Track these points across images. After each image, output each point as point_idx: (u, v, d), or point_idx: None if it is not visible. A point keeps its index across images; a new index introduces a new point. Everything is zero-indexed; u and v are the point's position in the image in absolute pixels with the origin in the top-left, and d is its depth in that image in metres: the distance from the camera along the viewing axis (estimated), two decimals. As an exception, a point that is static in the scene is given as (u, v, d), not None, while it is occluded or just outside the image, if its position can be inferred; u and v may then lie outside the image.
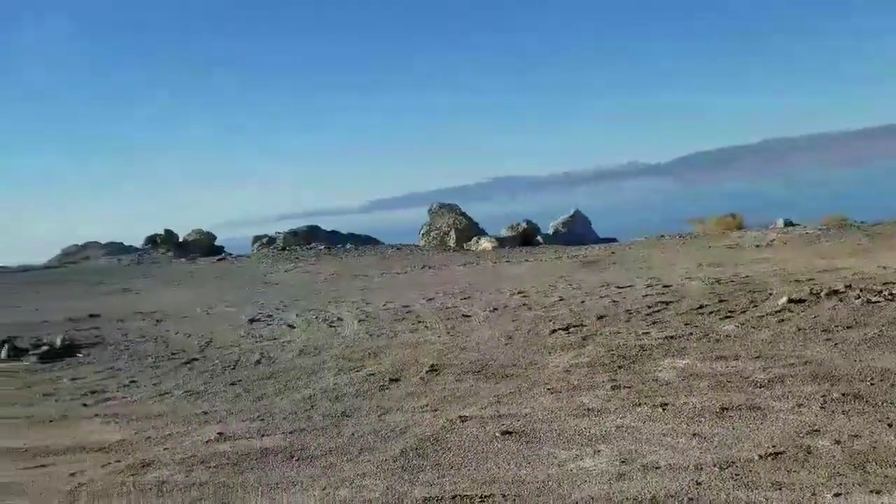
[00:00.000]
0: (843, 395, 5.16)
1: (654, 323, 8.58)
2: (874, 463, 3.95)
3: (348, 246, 28.11)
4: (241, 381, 7.77)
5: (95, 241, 33.02)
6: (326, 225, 34.13)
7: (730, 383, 5.83)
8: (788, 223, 19.53)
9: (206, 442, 5.70)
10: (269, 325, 11.38)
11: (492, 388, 6.60)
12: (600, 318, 9.24)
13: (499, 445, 5.03)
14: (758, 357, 6.51)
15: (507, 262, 18.11)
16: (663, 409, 5.37)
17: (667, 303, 9.68)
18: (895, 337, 6.55)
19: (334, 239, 30.99)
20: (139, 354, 9.76)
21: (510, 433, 5.25)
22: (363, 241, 30.60)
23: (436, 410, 6.07)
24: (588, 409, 5.60)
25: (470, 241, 27.40)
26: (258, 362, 8.64)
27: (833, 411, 4.87)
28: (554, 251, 20.14)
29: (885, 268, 10.27)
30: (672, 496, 3.85)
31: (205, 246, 31.88)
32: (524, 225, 28.35)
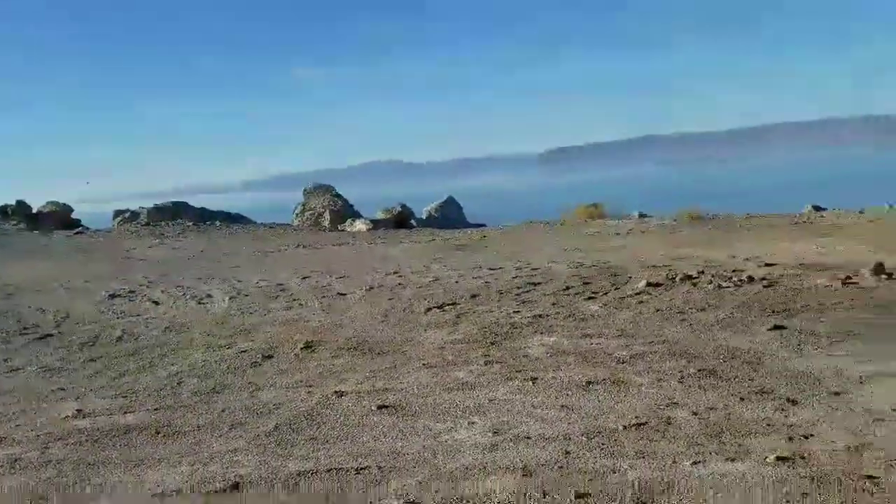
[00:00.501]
0: (699, 371, 5.54)
1: (523, 302, 8.85)
2: (728, 433, 4.28)
3: (217, 224, 27.18)
4: (101, 357, 7.38)
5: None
6: (196, 203, 32.85)
7: (595, 359, 6.12)
8: (643, 215, 20.64)
9: (64, 418, 5.38)
10: (132, 300, 10.84)
11: (368, 364, 6.60)
12: (473, 297, 9.44)
13: (375, 419, 5.05)
14: (620, 335, 6.86)
15: (383, 243, 18.11)
16: (533, 383, 5.57)
17: (535, 284, 10.01)
18: (743, 319, 7.09)
19: (203, 216, 29.87)
20: (-16, 330, 9.05)
21: (386, 407, 5.28)
22: (234, 220, 29.67)
23: (311, 386, 6.02)
24: (462, 384, 5.72)
25: (345, 222, 27.20)
26: (120, 339, 8.23)
27: (690, 386, 5.22)
28: (429, 234, 20.33)
29: (734, 257, 11.06)
30: (543, 465, 4.01)
31: (61, 219, 29.85)
32: (399, 208, 28.45)
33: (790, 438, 4.13)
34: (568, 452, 4.16)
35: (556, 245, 14.68)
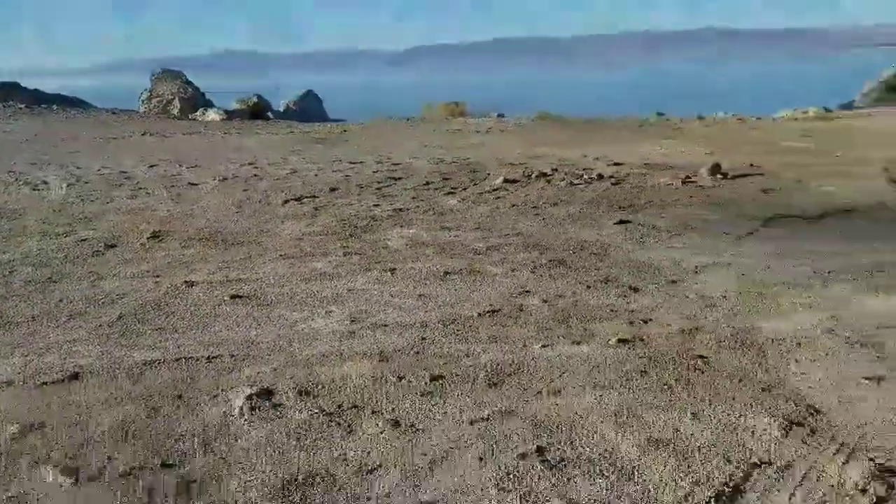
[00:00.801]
0: (550, 261, 5.74)
1: (383, 196, 8.79)
2: (575, 318, 4.48)
3: (54, 107, 24.92)
4: (-85, 246, 6.68)
5: None
6: (29, 84, 29.85)
7: (452, 251, 6.21)
8: (501, 115, 20.90)
9: None
10: (-50, 186, 9.83)
11: (221, 254, 6.37)
12: (333, 190, 9.26)
13: (228, 309, 4.91)
14: (477, 229, 6.98)
15: (238, 133, 17.32)
16: (392, 274, 5.58)
17: (396, 179, 9.95)
18: (592, 214, 7.39)
19: (37, 98, 27.28)
20: None
21: (240, 297, 5.14)
22: (72, 104, 27.33)
23: (158, 277, 5.74)
24: (320, 274, 5.65)
25: (196, 111, 25.75)
26: (-62, 226, 7.47)
27: (541, 275, 5.41)
28: (287, 126, 19.64)
29: (585, 156, 11.43)
30: (399, 350, 4.06)
31: None
32: (255, 99, 27.22)
33: (631, 323, 4.39)
34: (424, 339, 4.23)
35: (417, 141, 14.59)
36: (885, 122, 15.49)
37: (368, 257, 6.10)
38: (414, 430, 3.15)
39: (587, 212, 7.51)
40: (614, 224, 6.90)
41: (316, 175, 10.49)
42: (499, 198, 8.45)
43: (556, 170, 9.94)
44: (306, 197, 8.82)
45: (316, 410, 3.35)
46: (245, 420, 3.30)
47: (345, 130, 17.57)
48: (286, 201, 8.58)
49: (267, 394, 3.54)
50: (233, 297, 5.15)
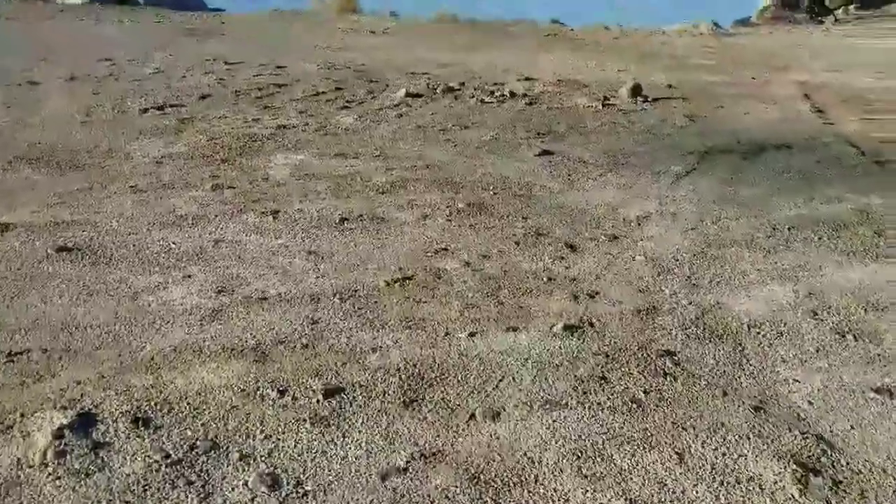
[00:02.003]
0: (469, 205, 4.78)
1: (265, 108, 7.49)
2: (507, 290, 3.58)
3: None
4: None
5: None
6: None
7: (350, 187, 5.14)
8: (395, 14, 19.31)
9: None
10: None
11: (53, 182, 5.04)
12: (203, 98, 7.84)
13: (49, 269, 3.71)
14: (378, 156, 5.91)
15: (96, 22, 15.04)
16: (274, 218, 4.49)
17: (280, 85, 8.60)
18: (510, 141, 6.43)
19: None
20: None
21: (68, 250, 3.93)
22: None
23: (-36, 216, 4.41)
24: (180, 217, 4.47)
25: (50, -10, 22.58)
26: None
27: (460, 225, 4.45)
28: (156, 14, 17.33)
29: (494, 67, 10.38)
30: (282, 342, 3.05)
31: None
32: (120, -21, 24.16)
33: (575, 297, 3.54)
34: (315, 322, 3.23)
35: (305, 41, 13.01)
36: (787, 41, 15.12)
37: (244, 193, 4.94)
38: (301, 495, 2.19)
39: (503, 138, 6.54)
40: (535, 156, 5.97)
41: (184, 77, 8.95)
42: (401, 115, 7.33)
43: (464, 84, 8.85)
44: (170, 105, 7.39)
45: (156, 456, 2.33)
46: (49, 474, 2.24)
47: (223, 22, 15.61)
48: (145, 110, 7.14)
49: (86, 423, 2.48)
50: (59, 249, 3.93)
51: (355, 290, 3.53)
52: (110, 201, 4.70)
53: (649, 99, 8.20)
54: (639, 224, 4.56)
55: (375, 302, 3.43)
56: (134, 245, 4.03)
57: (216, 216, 4.50)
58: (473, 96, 8.21)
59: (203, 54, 10.80)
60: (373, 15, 18.93)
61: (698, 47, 13.64)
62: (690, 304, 3.52)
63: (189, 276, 3.66)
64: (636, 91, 8.35)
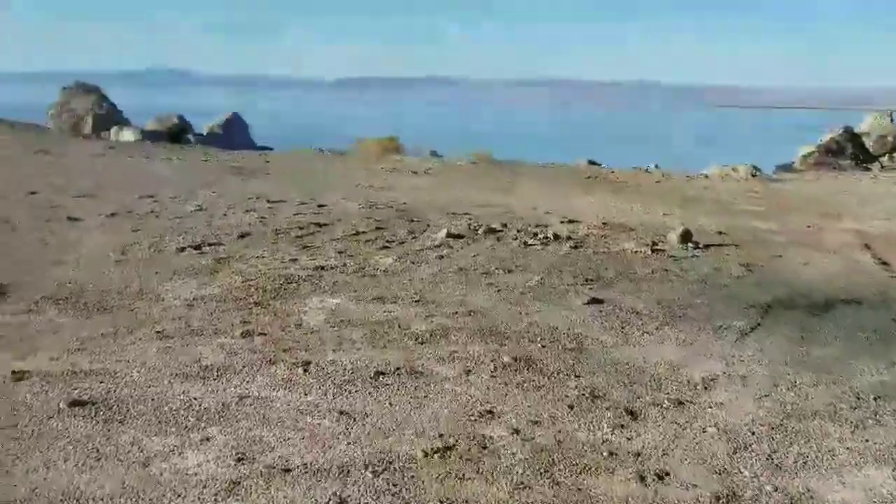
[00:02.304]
0: (515, 359, 4.41)
1: (304, 248, 7.33)
2: (562, 467, 3.15)
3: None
4: None
5: None
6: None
7: (387, 335, 4.81)
8: (435, 153, 19.67)
9: None
10: None
11: (79, 325, 4.81)
12: (243, 236, 7.74)
13: (59, 426, 3.38)
14: (418, 300, 5.62)
15: (146, 158, 15.51)
16: (305, 371, 4.15)
17: (320, 225, 8.51)
18: (556, 287, 6.12)
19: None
20: None
21: (82, 404, 3.62)
22: (-36, 112, 24.81)
23: (-22, 359, 4.16)
24: (205, 367, 4.16)
25: (110, 129, 23.71)
26: None
27: (506, 383, 4.06)
28: (203, 152, 17.90)
29: (535, 209, 10.26)
30: (304, 526, 2.63)
31: None
32: (175, 120, 25.33)
33: (641, 478, 3.08)
34: (344, 501, 2.81)
35: (347, 180, 13.18)
36: (833, 187, 14.93)
37: (275, 340, 4.64)
38: None
39: (549, 283, 6.23)
40: (584, 304, 5.63)
41: (225, 215, 8.93)
42: (442, 257, 7.10)
43: (506, 225, 8.68)
44: (208, 244, 7.27)
45: None
46: None
47: (267, 161, 15.99)
48: (182, 249, 7.02)
49: None
50: (73, 403, 3.62)
51: (390, 462, 3.12)
52: (134, 348, 4.43)
53: (700, 245, 7.90)
54: (705, 388, 4.12)
55: (412, 477, 3.01)
56: (153, 400, 3.70)
57: (243, 367, 4.18)
58: (516, 238, 8.00)
59: (246, 192, 10.90)
60: (414, 155, 19.35)
61: (743, 192, 13.47)
62: (776, 490, 3.03)
63: (208, 439, 3.29)
64: (686, 237, 8.07)
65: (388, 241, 7.74)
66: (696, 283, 6.44)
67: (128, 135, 22.67)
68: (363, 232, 8.19)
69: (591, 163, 19.07)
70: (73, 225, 8.01)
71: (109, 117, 25.06)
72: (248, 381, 3.98)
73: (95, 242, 7.19)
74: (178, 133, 24.44)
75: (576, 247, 7.72)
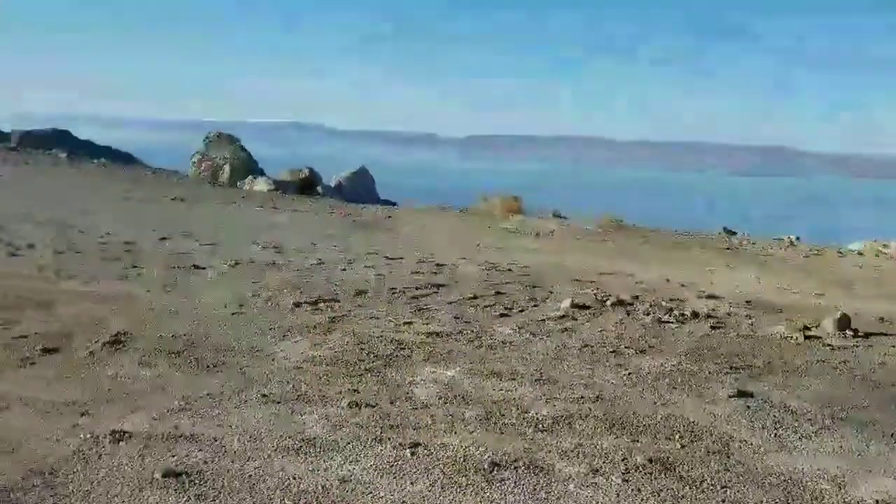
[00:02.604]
0: (650, 460, 3.84)
1: (419, 310, 7.03)
2: None
3: (98, 161, 24.15)
4: None
5: None
6: (92, 135, 29.57)
7: (504, 418, 4.36)
8: (559, 214, 19.16)
9: None
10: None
11: (186, 383, 4.64)
12: (359, 293, 7.54)
13: (151, 499, 3.12)
14: (538, 379, 5.13)
15: (274, 208, 15.92)
16: (412, 454, 3.75)
17: (437, 286, 8.21)
18: (697, 374, 5.47)
19: (86, 149, 26.69)
20: None
21: (177, 475, 3.36)
22: (120, 158, 26.67)
23: (85, 414, 4.04)
24: (308, 440, 3.85)
25: (245, 179, 24.78)
26: None
27: (639, 489, 3.51)
28: (329, 205, 18.25)
29: (668, 280, 9.56)
30: None
31: None
32: (306, 172, 26.16)
33: None
34: None
35: (467, 239, 12.93)
36: None
37: (383, 415, 4.28)
38: None
39: (688, 369, 5.59)
40: (730, 397, 4.96)
41: (344, 270, 8.81)
42: (566, 329, 6.60)
43: (637, 297, 8.07)
44: (325, 301, 7.10)
45: None
46: None
47: (390, 216, 16.04)
48: (298, 304, 6.87)
49: None
50: (167, 473, 3.37)
51: (505, 588, 2.64)
52: (238, 412, 4.19)
53: (860, 333, 7.00)
54: (885, 517, 3.40)
55: None
56: (250, 477, 3.40)
57: (348, 443, 3.83)
58: (649, 313, 7.38)
59: (366, 246, 10.83)
60: (537, 215, 18.96)
61: (898, 271, 12.19)
62: None
63: (301, 532, 2.93)
64: (844, 323, 7.17)
65: (507, 308, 7.32)
66: (860, 380, 5.60)
67: (261, 184, 23.55)
68: (481, 296, 7.81)
69: (728, 231, 18.03)
70: (196, 274, 8.08)
71: (246, 167, 26.21)
72: (351, 461, 3.62)
73: (213, 293, 7.16)
74: (307, 185, 25.20)
75: (717, 327, 7.02)
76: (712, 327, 7.00)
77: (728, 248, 13.94)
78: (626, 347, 6.11)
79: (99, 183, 17.62)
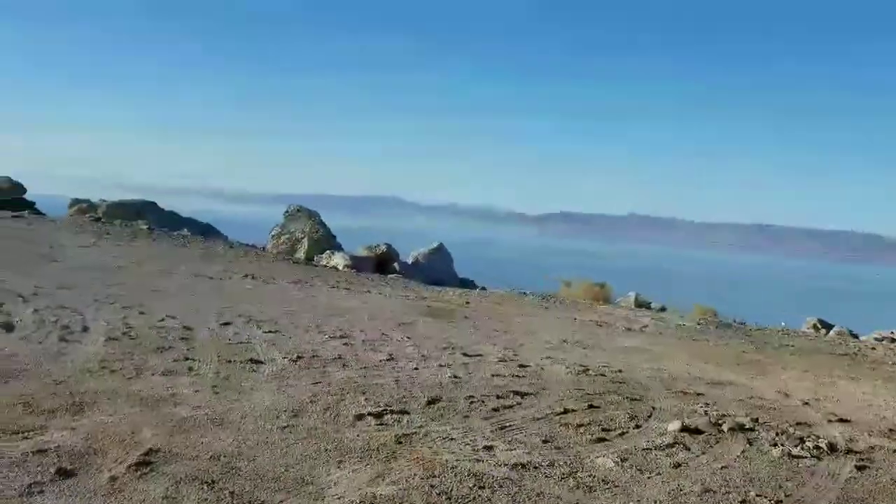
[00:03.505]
0: None
1: (502, 428, 6.00)
2: None
3: (178, 232, 24.29)
4: None
5: None
6: (177, 206, 30.13)
7: None
8: (643, 304, 17.84)
9: None
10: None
11: (213, 529, 3.73)
12: (431, 402, 6.58)
13: None
14: (654, 543, 4.01)
15: (347, 290, 15.22)
16: None
17: (521, 394, 7.16)
18: (858, 546, 4.24)
19: (169, 221, 27.02)
20: None
21: None
22: (201, 230, 26.85)
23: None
24: None
25: (322, 253, 24.48)
26: None
27: None
28: (403, 286, 17.49)
29: (787, 395, 8.24)
30: None
31: (7, 197, 26.94)
32: (383, 247, 25.70)
33: None
34: None
35: (552, 331, 11.85)
36: None
37: None
38: None
39: (845, 536, 4.36)
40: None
41: (416, 369, 7.88)
42: (679, 466, 5.43)
43: (757, 421, 6.82)
44: (393, 411, 6.16)
45: None
46: None
47: (467, 302, 15.11)
48: (360, 416, 5.95)
49: None
50: None
51: None
52: (268, 587, 3.24)
53: None
54: None
55: None
56: None
57: None
58: (775, 443, 6.13)
59: (441, 339, 9.90)
60: (625, 305, 17.74)
61: None
62: None
63: None
64: None
65: (604, 429, 6.20)
66: None
67: (337, 260, 23.13)
68: (573, 410, 6.72)
69: (837, 332, 16.31)
70: (251, 369, 7.27)
71: (324, 242, 25.96)
72: None
73: (267, 397, 6.31)
74: (384, 261, 24.66)
75: (861, 467, 5.72)
76: (857, 467, 5.71)
77: (846, 355, 12.38)
78: (757, 496, 4.90)
79: (172, 257, 17.40)
